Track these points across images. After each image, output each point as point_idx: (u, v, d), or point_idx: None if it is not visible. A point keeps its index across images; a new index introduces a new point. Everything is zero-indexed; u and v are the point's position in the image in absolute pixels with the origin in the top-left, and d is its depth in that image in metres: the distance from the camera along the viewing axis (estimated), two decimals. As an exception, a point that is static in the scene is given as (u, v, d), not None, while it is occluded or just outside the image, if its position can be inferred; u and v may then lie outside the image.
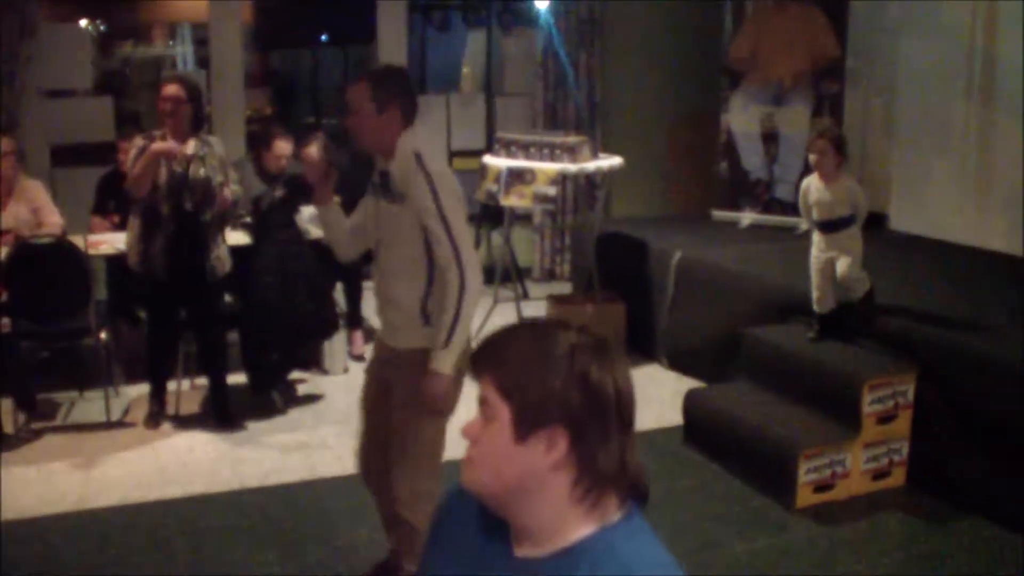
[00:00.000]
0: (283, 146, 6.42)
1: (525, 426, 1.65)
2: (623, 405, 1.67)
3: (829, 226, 5.51)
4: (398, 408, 3.83)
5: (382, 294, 3.91)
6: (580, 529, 1.68)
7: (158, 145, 5.54)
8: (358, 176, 4.29)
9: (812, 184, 5.53)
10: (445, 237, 3.64)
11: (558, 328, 1.71)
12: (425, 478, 3.81)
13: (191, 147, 5.70)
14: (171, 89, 5.67)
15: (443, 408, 3.73)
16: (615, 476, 1.67)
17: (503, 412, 1.67)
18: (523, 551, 1.72)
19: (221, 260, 5.89)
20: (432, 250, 3.69)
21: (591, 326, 1.75)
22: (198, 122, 5.78)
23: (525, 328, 1.76)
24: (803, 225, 6.00)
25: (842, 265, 5.48)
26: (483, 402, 1.71)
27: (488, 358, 1.72)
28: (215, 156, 5.78)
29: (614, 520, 1.69)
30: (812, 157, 5.49)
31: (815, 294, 5.63)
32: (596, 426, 1.65)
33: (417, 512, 3.76)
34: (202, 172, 5.67)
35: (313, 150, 6.18)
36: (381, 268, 3.90)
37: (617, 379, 1.67)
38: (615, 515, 1.70)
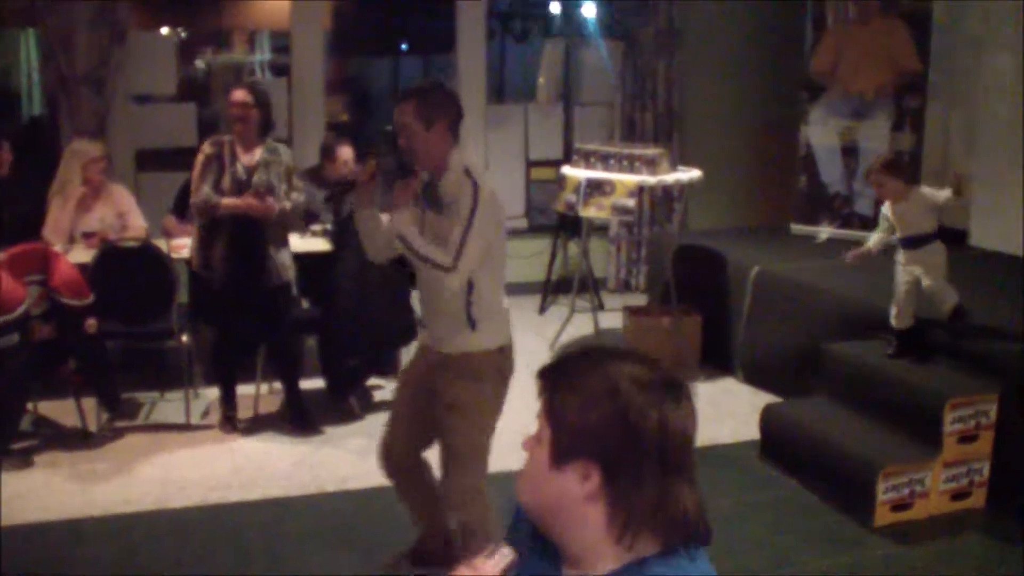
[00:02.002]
0: (346, 151, 6.64)
1: (561, 454, 1.68)
2: (668, 447, 1.65)
3: (910, 242, 5.47)
4: (447, 411, 3.95)
5: (429, 305, 4.03)
6: (614, 562, 1.69)
7: (251, 205, 5.67)
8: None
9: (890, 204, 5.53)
10: (458, 240, 3.74)
11: (622, 360, 1.71)
12: (472, 477, 3.98)
13: (257, 154, 5.78)
14: (240, 95, 5.76)
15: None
16: (652, 517, 1.66)
17: (546, 434, 1.71)
18: (569, 574, 1.75)
19: (283, 267, 5.92)
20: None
21: (668, 359, 1.77)
22: (266, 128, 5.85)
23: (591, 354, 1.75)
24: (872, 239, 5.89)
25: (926, 279, 5.44)
26: (539, 418, 1.75)
27: (548, 377, 1.74)
28: (281, 164, 5.84)
29: (646, 555, 1.69)
30: (875, 190, 5.55)
31: (893, 309, 5.57)
32: (630, 466, 1.64)
33: (470, 510, 3.96)
34: (264, 179, 5.74)
35: (346, 151, 6.34)
36: (425, 279, 3.99)
37: (668, 420, 1.65)
38: (650, 551, 1.69)
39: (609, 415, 1.64)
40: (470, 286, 3.84)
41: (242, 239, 5.76)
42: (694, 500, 1.68)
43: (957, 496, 5.24)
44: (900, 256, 5.54)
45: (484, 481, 4.00)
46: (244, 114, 5.72)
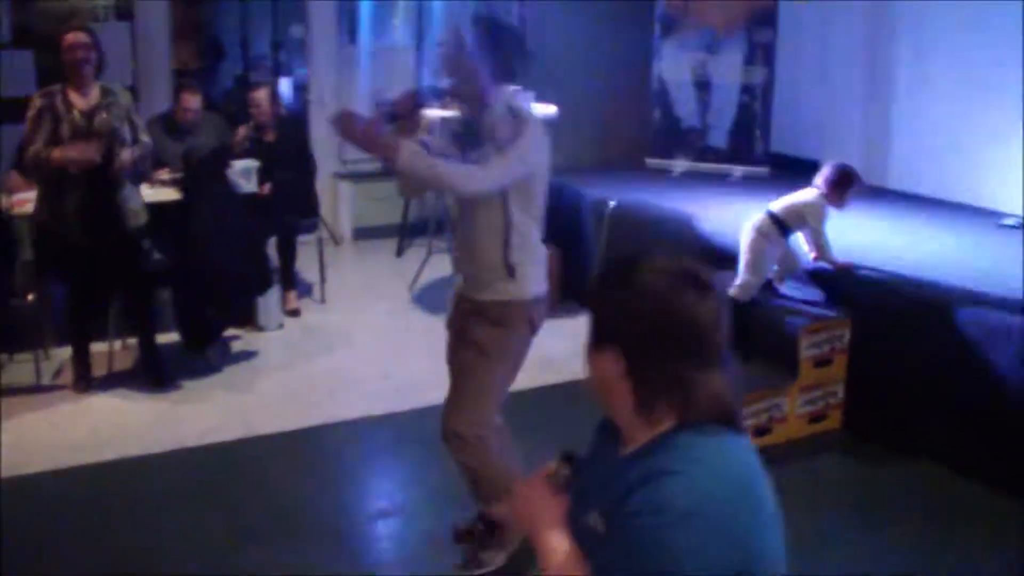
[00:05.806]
0: (189, 99, 6.63)
1: (596, 340, 1.89)
2: (686, 333, 1.81)
3: (775, 220, 5.49)
4: (466, 348, 3.84)
5: (464, 249, 3.88)
6: (644, 437, 1.87)
7: (67, 154, 5.42)
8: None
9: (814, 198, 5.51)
10: (496, 156, 3.61)
11: (652, 258, 1.88)
12: (473, 423, 3.81)
13: (93, 98, 5.56)
14: (77, 37, 5.51)
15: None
16: (669, 396, 1.83)
17: (590, 324, 1.92)
18: (623, 451, 1.92)
19: (136, 212, 5.73)
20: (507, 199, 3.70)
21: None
22: (100, 70, 5.61)
23: (630, 259, 1.92)
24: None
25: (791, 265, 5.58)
26: None
27: (597, 277, 1.97)
28: (120, 106, 5.63)
29: (659, 432, 1.86)
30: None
31: (740, 279, 5.54)
32: (649, 351, 1.82)
33: (469, 455, 3.83)
34: (106, 121, 5.52)
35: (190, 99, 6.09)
36: (462, 223, 3.87)
37: (686, 307, 1.81)
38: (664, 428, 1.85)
39: (630, 304, 1.84)
40: (507, 227, 3.72)
41: (88, 188, 5.52)
42: (719, 384, 1.85)
43: (814, 419, 5.37)
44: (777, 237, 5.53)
45: (488, 428, 3.82)
46: (84, 57, 5.47)
